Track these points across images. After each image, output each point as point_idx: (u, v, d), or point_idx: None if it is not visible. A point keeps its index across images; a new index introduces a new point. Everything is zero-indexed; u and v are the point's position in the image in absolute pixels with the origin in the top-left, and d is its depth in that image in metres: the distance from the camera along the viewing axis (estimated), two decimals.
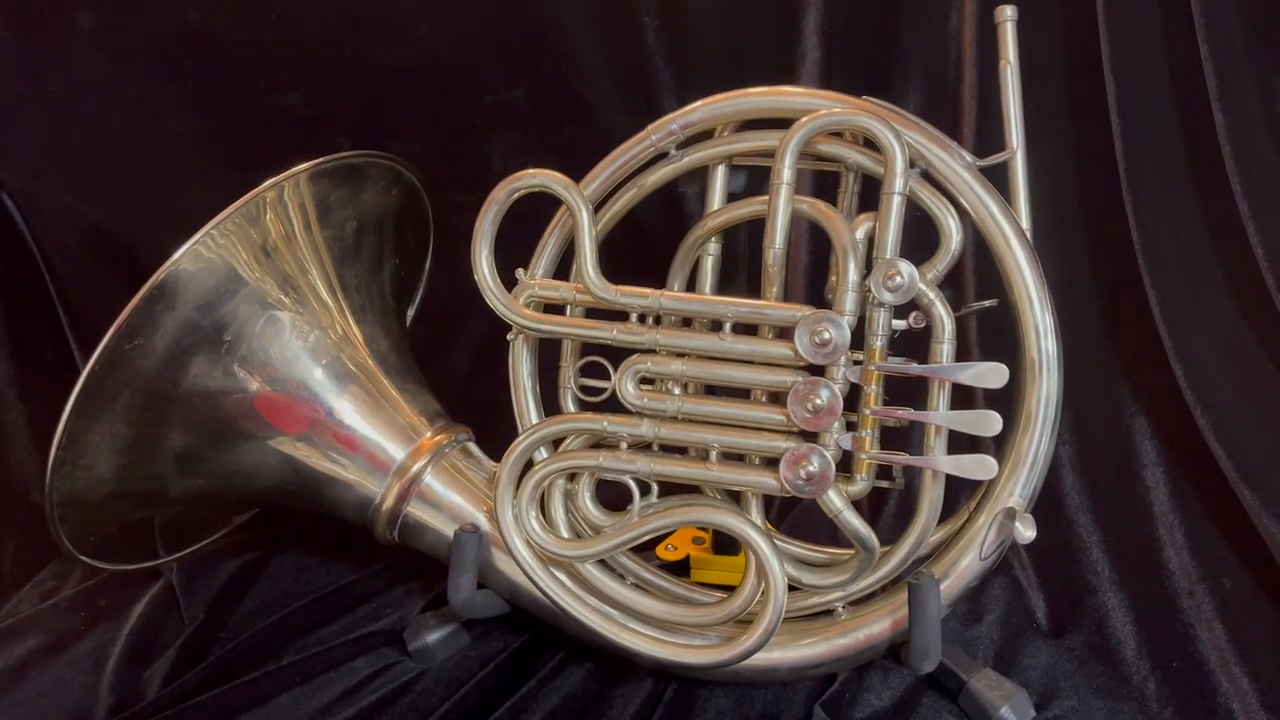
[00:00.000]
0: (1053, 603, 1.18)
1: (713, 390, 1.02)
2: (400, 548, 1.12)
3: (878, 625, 1.00)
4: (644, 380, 0.99)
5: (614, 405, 0.99)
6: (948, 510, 0.99)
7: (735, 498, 1.02)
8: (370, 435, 1.07)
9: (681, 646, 0.99)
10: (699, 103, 1.02)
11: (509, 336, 1.04)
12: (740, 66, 1.39)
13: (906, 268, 0.92)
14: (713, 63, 1.39)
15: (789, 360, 0.94)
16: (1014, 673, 1.09)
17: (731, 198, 1.05)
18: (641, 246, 1.27)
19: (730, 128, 1.04)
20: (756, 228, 0.99)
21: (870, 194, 0.99)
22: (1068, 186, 1.29)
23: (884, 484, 1.00)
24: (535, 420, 1.06)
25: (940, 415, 0.93)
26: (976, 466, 0.91)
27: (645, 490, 0.99)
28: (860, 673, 1.07)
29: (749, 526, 0.96)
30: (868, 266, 0.94)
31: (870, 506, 1.35)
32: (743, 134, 1.02)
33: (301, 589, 1.25)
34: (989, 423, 0.90)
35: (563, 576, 1.03)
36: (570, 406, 1.06)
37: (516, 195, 1.00)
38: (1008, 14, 1.00)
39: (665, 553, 1.22)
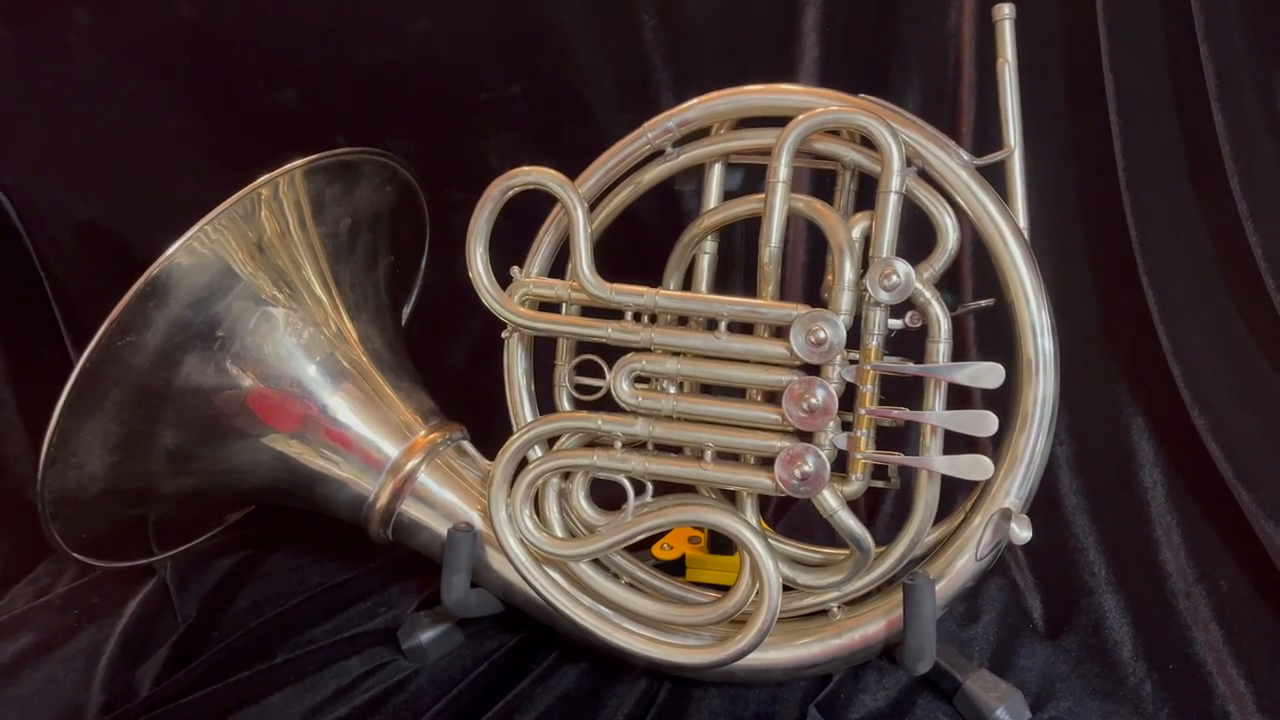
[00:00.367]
0: (1049, 604, 1.18)
1: (709, 389, 1.02)
2: (394, 546, 1.12)
3: (873, 626, 0.99)
4: (639, 379, 0.98)
5: (610, 404, 0.99)
6: (945, 510, 0.99)
7: (731, 497, 1.02)
8: (364, 433, 1.07)
9: (675, 646, 0.99)
10: (695, 100, 1.01)
11: (504, 334, 1.04)
12: (739, 65, 1.38)
13: (903, 267, 0.92)
14: (711, 61, 1.39)
15: (784, 359, 0.94)
16: (1010, 674, 1.08)
17: (728, 196, 1.04)
18: (639, 245, 1.27)
19: (727, 125, 1.03)
20: (753, 226, 0.98)
21: (867, 193, 0.98)
22: (1066, 186, 1.29)
23: (880, 484, 0.99)
24: (530, 419, 1.06)
25: (936, 415, 0.92)
26: (972, 467, 0.91)
27: (640, 489, 0.99)
28: (856, 673, 1.07)
29: (743, 526, 0.95)
30: (864, 265, 0.94)
31: (867, 507, 1.35)
32: (739, 132, 1.02)
33: (295, 588, 1.25)
34: (985, 423, 0.90)
35: (557, 575, 1.02)
36: (565, 405, 1.05)
37: (511, 193, 0.99)
38: (1005, 12, 1.00)
39: (661, 552, 1.22)
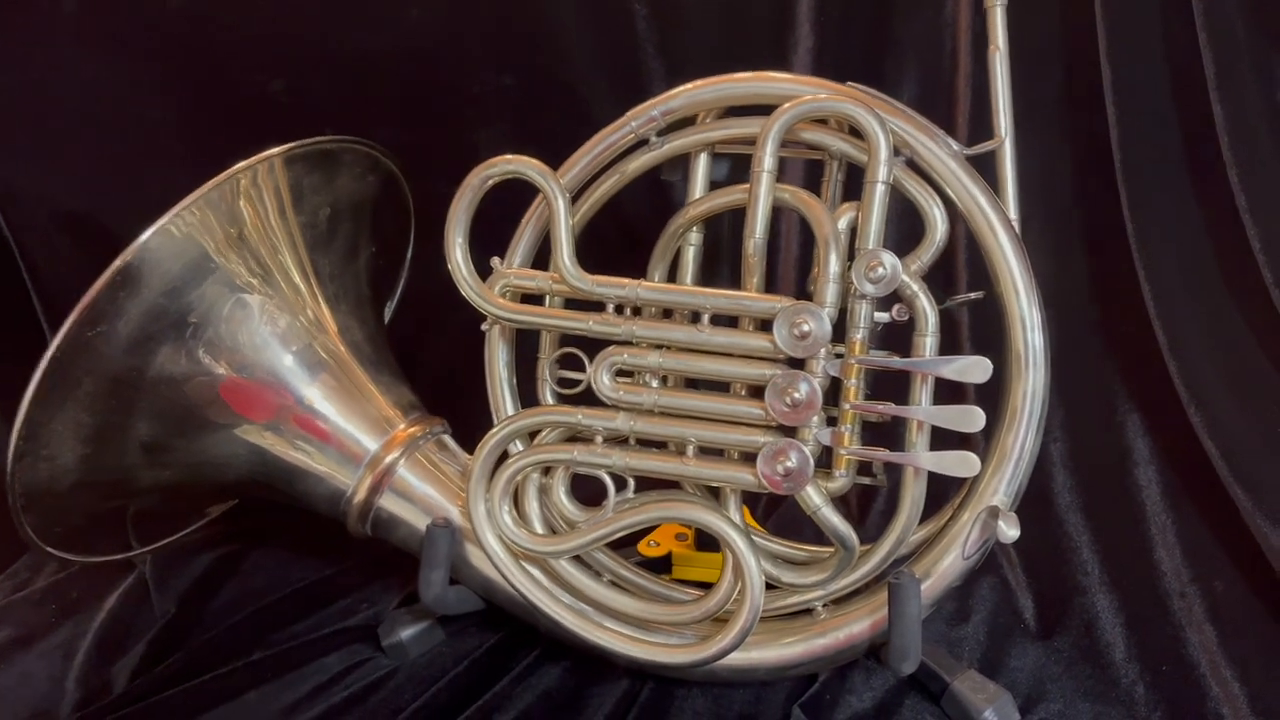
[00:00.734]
0: (1041, 603, 1.15)
1: (695, 384, 1.00)
2: (376, 542, 1.10)
3: (857, 625, 0.97)
4: (621, 373, 0.96)
5: (594, 398, 0.97)
6: (935, 507, 0.97)
7: (715, 494, 1.00)
8: (342, 426, 1.05)
9: (655, 645, 0.97)
10: (680, 88, 1.00)
11: (484, 327, 1.02)
12: (732, 55, 1.36)
13: (889, 258, 0.89)
14: (704, 51, 1.37)
15: (768, 353, 0.92)
16: (1000, 675, 1.06)
17: (714, 187, 1.02)
18: (629, 236, 1.25)
19: (713, 114, 1.01)
20: (741, 217, 0.96)
21: (855, 183, 0.96)
22: (1063, 177, 1.27)
23: (866, 481, 0.98)
24: (511, 413, 1.04)
25: (922, 410, 0.90)
26: (958, 463, 0.89)
27: (621, 485, 0.97)
28: (842, 673, 1.05)
29: (726, 523, 0.93)
30: (851, 257, 0.92)
31: (858, 503, 1.33)
32: (725, 120, 1.00)
33: (277, 584, 1.23)
34: (971, 418, 0.88)
35: (537, 573, 1.01)
36: (549, 399, 1.03)
37: (490, 182, 0.97)
38: None
39: (647, 549, 1.20)
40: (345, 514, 1.06)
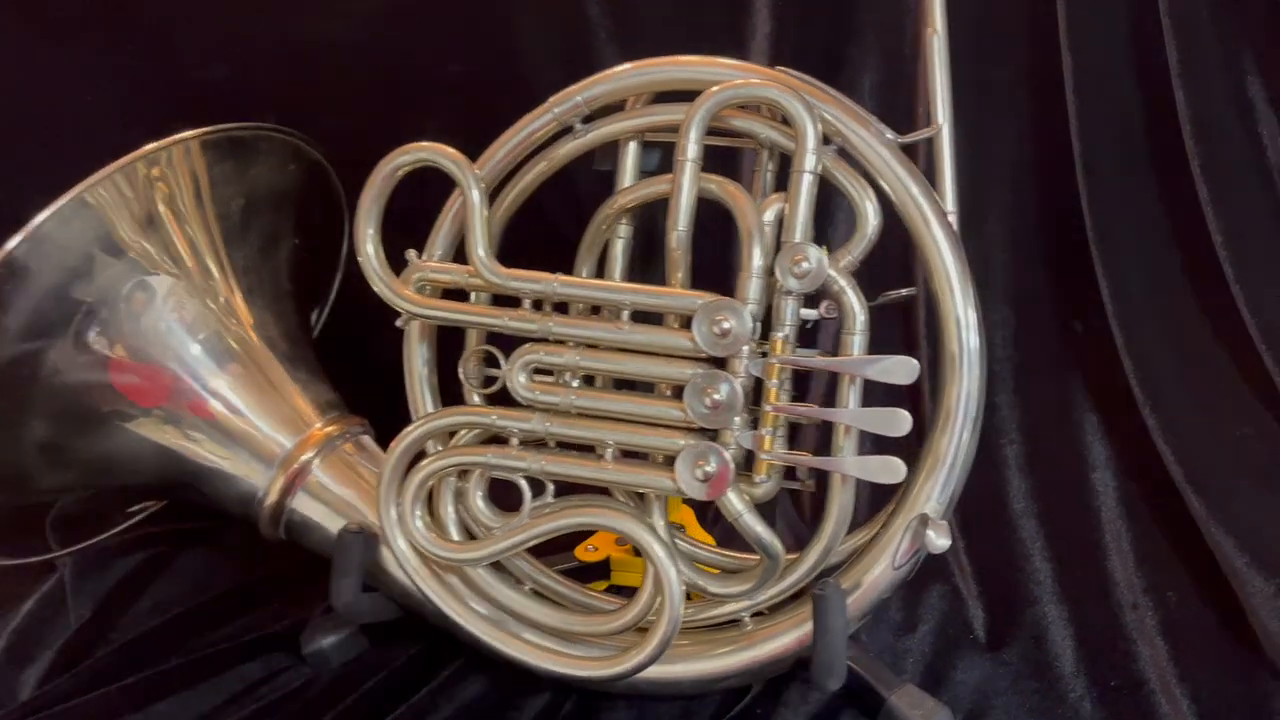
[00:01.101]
0: (992, 613, 1.11)
1: (633, 385, 0.95)
2: (295, 547, 1.06)
3: (784, 638, 0.92)
4: (540, 371, 0.92)
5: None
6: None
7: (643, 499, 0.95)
8: (253, 422, 1.01)
9: (569, 658, 0.93)
10: (602, 73, 0.95)
11: (398, 323, 0.97)
12: (687, 42, 1.31)
13: (814, 252, 0.85)
14: (659, 38, 1.33)
15: (689, 351, 0.87)
16: (944, 688, 1.02)
17: (646, 176, 0.98)
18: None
19: (643, 100, 0.97)
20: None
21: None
22: (1024, 169, 1.23)
23: (793, 486, 0.93)
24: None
25: (846, 413, 0.85)
26: (882, 469, 0.84)
27: (540, 490, 0.92)
28: (775, 686, 1.00)
29: (644, 530, 0.89)
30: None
31: (813, 509, 1.28)
32: (651, 107, 0.95)
33: (204, 587, 1.19)
34: (896, 422, 0.83)
35: (455, 581, 0.96)
36: (476, 400, 0.99)
37: (402, 171, 0.94)
38: None
39: (585, 554, 1.16)
40: (257, 517, 1.02)
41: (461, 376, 0.97)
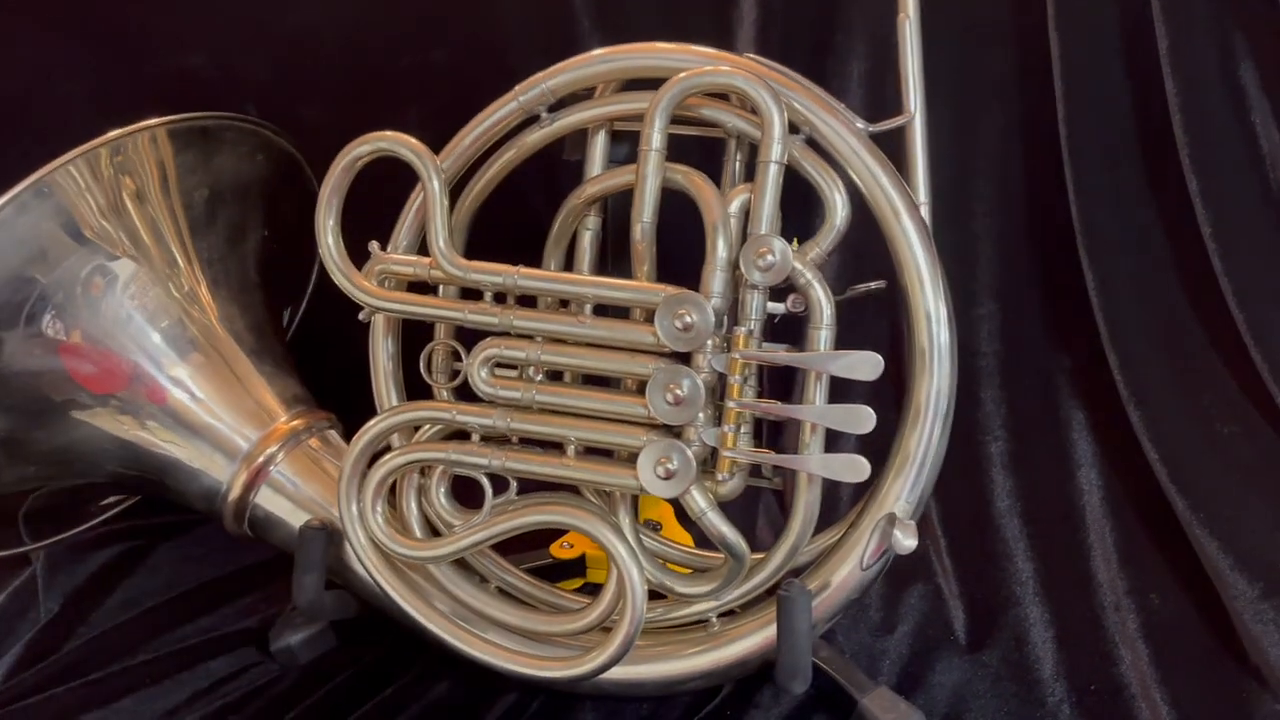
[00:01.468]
0: (973, 614, 1.08)
1: (600, 380, 0.93)
2: (261, 543, 1.05)
3: (751, 639, 0.90)
4: (502, 366, 0.90)
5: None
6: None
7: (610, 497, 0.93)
8: (216, 414, 0.99)
9: (530, 658, 0.91)
10: (568, 60, 0.93)
11: (361, 316, 0.95)
12: (673, 30, 1.28)
13: (779, 244, 0.83)
14: (643, 24, 1.30)
15: (651, 346, 0.85)
16: (921, 691, 0.99)
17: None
18: None
19: (612, 88, 0.95)
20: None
21: None
22: (1012, 159, 1.20)
23: (761, 484, 0.91)
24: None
25: (809, 410, 0.83)
26: (846, 468, 0.82)
27: (502, 487, 0.90)
28: (746, 688, 0.98)
29: (607, 529, 0.87)
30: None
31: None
32: (617, 95, 0.93)
33: (176, 581, 1.18)
34: (860, 418, 0.81)
35: (418, 579, 0.95)
36: (444, 395, 0.97)
37: (362, 161, 0.92)
38: None
39: (560, 551, 1.15)
40: (221, 513, 1.01)
41: (423, 370, 0.95)
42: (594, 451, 0.90)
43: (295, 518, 0.99)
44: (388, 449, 0.93)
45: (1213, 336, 1.04)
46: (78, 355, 0.95)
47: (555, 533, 1.14)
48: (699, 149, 0.94)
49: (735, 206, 0.87)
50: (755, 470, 0.89)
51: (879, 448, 0.88)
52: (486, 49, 1.33)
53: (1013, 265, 1.17)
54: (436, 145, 0.94)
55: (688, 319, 0.83)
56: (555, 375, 0.91)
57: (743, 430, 0.85)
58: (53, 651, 1.06)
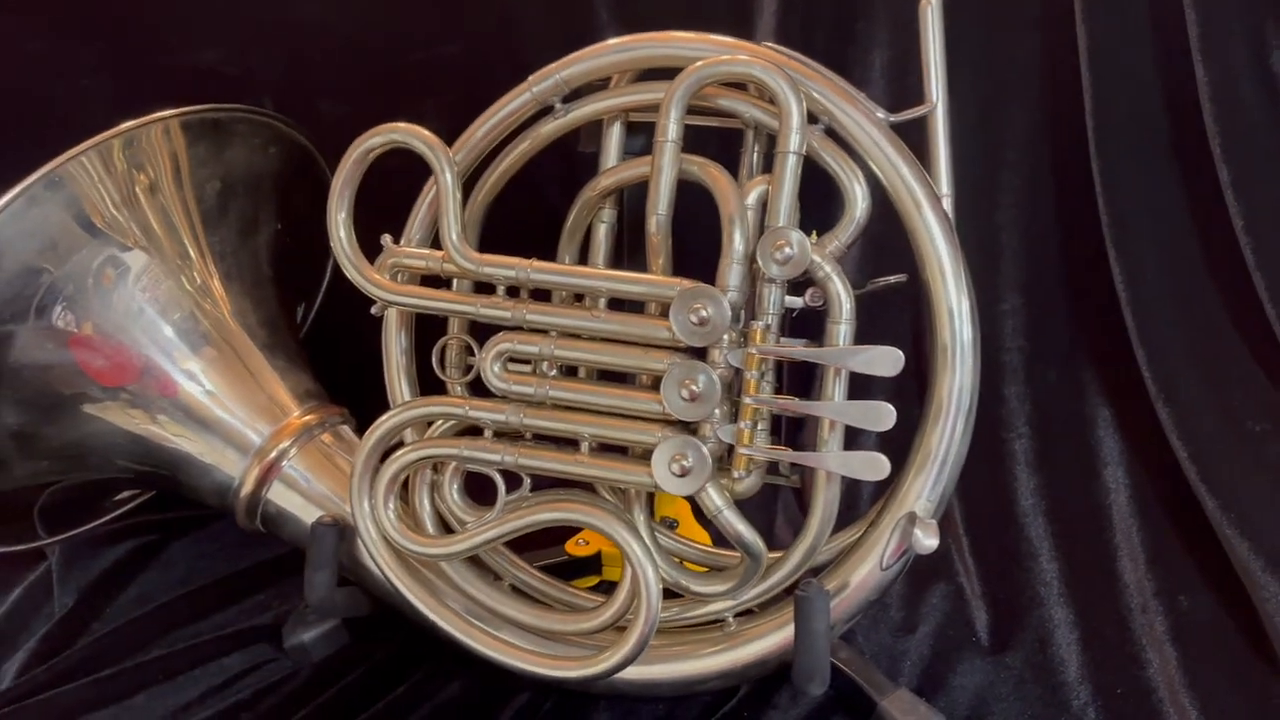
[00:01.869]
0: (996, 615, 1.06)
1: (610, 375, 0.91)
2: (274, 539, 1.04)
3: (768, 639, 0.89)
4: (516, 361, 0.88)
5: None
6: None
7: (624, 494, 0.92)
8: (229, 409, 0.98)
9: (543, 658, 0.89)
10: (582, 50, 0.91)
11: (373, 310, 0.94)
12: (691, 18, 1.27)
13: (797, 237, 0.81)
14: (661, 14, 1.26)
15: (666, 341, 0.83)
16: (942, 693, 0.98)
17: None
18: None
19: (627, 79, 0.93)
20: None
21: None
22: (1037, 150, 1.17)
23: (779, 481, 0.89)
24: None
25: (828, 406, 0.81)
26: (866, 465, 0.80)
27: (516, 484, 0.89)
28: (764, 688, 0.96)
29: (621, 526, 0.85)
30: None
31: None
32: (632, 86, 0.92)
33: (193, 577, 1.17)
34: (879, 415, 0.79)
35: (431, 576, 0.94)
36: (458, 391, 0.96)
37: (374, 153, 0.91)
38: None
39: (576, 548, 1.13)
40: (233, 508, 1.00)
41: (435, 365, 0.94)
42: (608, 448, 0.88)
43: (307, 513, 0.98)
44: (400, 444, 0.92)
45: (1243, 332, 1.01)
46: (89, 348, 0.94)
47: (571, 529, 1.13)
48: (716, 140, 0.92)
49: (753, 198, 0.85)
50: (773, 468, 0.88)
51: (900, 445, 0.86)
52: (503, 42, 1.32)
53: (1038, 259, 1.14)
54: (453, 138, 0.94)
55: (703, 313, 0.81)
56: (570, 370, 0.90)
57: (760, 427, 0.84)
58: (67, 646, 1.06)
